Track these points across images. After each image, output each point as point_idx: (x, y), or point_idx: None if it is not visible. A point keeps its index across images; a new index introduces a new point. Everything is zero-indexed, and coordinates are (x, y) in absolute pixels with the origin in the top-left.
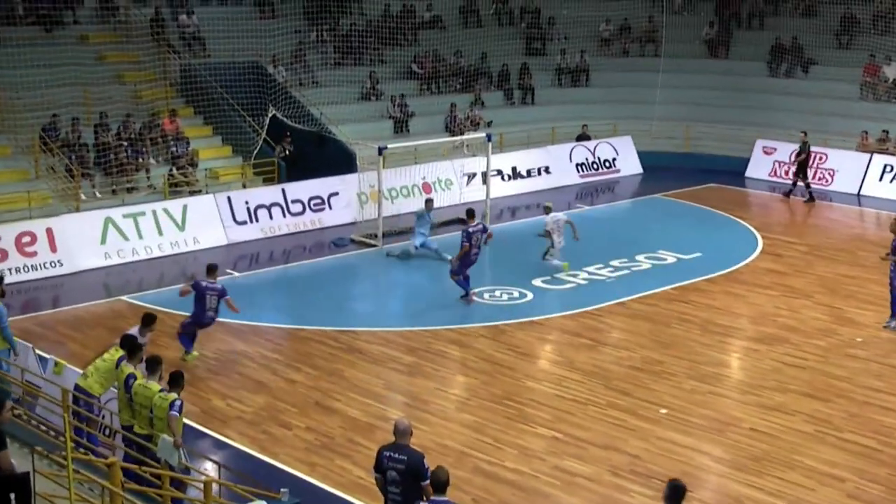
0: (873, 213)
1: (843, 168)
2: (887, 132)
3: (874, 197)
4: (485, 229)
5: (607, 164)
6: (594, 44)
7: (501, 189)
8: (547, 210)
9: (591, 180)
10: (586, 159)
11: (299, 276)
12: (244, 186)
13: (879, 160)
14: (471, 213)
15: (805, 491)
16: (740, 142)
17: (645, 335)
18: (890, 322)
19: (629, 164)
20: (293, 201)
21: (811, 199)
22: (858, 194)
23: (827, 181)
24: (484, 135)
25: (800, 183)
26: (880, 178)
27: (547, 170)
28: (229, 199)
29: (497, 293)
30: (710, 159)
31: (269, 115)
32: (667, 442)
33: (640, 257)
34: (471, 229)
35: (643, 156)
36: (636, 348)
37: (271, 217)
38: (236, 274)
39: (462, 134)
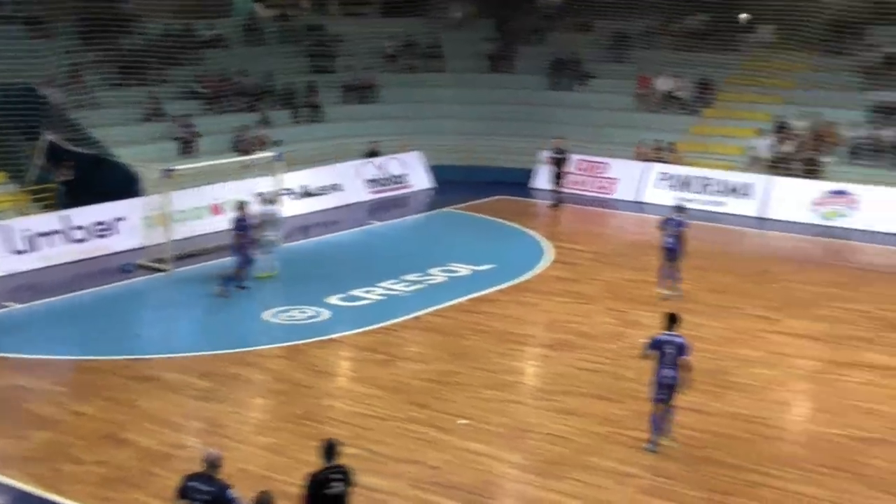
0: (652, 218)
1: (624, 176)
2: (663, 141)
3: (652, 203)
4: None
5: (397, 179)
6: (380, 60)
7: (292, 208)
8: (265, 202)
9: (382, 196)
10: (376, 175)
11: (85, 304)
12: (22, 214)
13: (655, 168)
14: (242, 205)
15: (602, 490)
16: (526, 154)
17: (441, 348)
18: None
19: (419, 179)
20: (75, 228)
21: (557, 203)
22: (638, 201)
23: (609, 190)
24: (273, 154)
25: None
26: (657, 185)
27: (337, 187)
28: (5, 227)
29: (292, 312)
30: (498, 172)
31: (44, 139)
32: (466, 452)
33: (433, 271)
34: (246, 221)
35: (434, 170)
36: (433, 361)
37: (52, 245)
38: (16, 305)
39: (250, 153)
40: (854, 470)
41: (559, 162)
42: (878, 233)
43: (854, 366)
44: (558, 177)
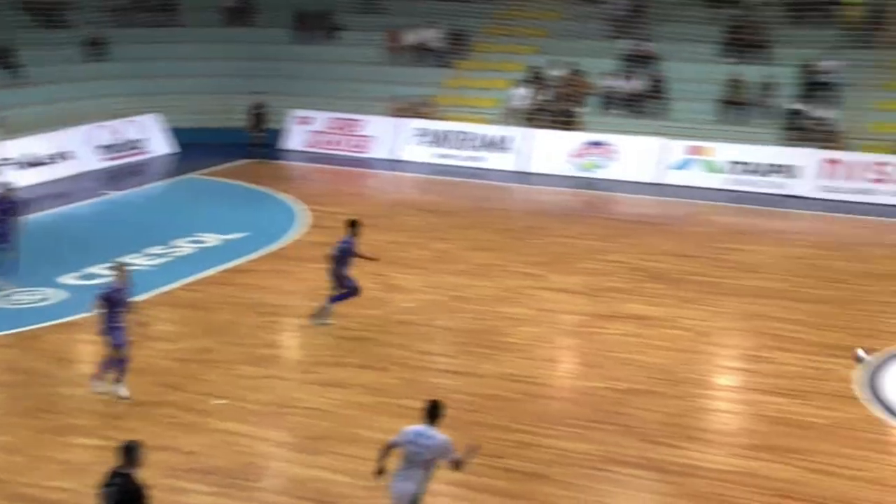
0: (409, 176)
1: (379, 134)
2: (418, 96)
3: (409, 161)
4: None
5: (134, 144)
6: (111, 14)
7: (14, 179)
8: None
9: (118, 163)
10: (110, 141)
11: None
12: None
13: (411, 124)
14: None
15: (369, 463)
16: (273, 113)
17: (192, 324)
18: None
19: (158, 144)
20: None
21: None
22: (395, 159)
23: (364, 148)
24: None
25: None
26: (413, 142)
27: (66, 155)
28: None
29: (22, 295)
30: (244, 134)
31: None
32: (224, 433)
33: (179, 242)
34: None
35: (174, 134)
36: (184, 339)
37: None
38: None
39: None
40: (621, 422)
41: (258, 118)
42: (635, 182)
43: (615, 318)
44: (256, 131)
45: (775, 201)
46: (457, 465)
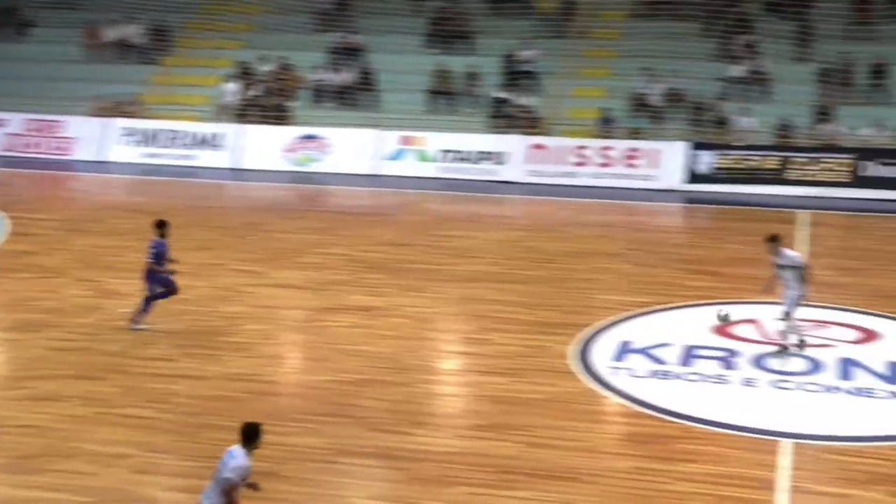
0: (118, 178)
1: (82, 135)
2: (124, 94)
3: (118, 162)
4: None
5: None
6: None
7: None
8: None
9: None
10: None
11: None
12: None
13: (118, 123)
14: None
15: (89, 477)
16: None
17: None
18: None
19: None
20: None
21: None
22: (101, 160)
23: (67, 150)
24: None
25: None
26: (121, 142)
27: None
28: None
29: None
30: None
31: None
32: None
33: None
34: None
35: None
36: None
37: None
38: None
39: None
40: (349, 413)
41: None
42: (350, 175)
43: (339, 310)
44: None
45: (487, 187)
46: (226, 490)
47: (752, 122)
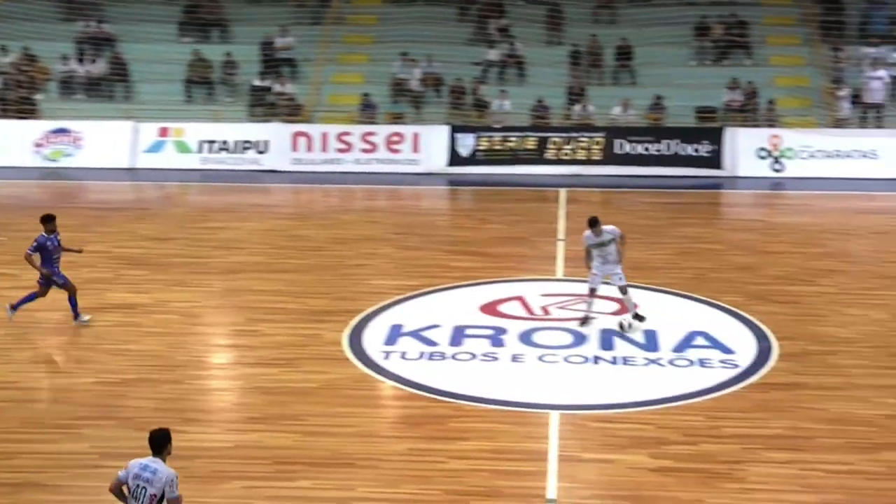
0: None
1: None
2: None
3: None
4: None
5: None
6: None
7: None
8: None
9: None
10: None
11: None
12: None
13: None
14: None
15: None
16: None
17: None
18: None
19: None
20: None
21: None
22: None
23: None
24: None
25: None
26: None
27: None
28: None
29: None
30: None
31: None
32: None
33: None
34: None
35: None
36: None
37: None
38: None
39: None
40: (115, 415)
41: None
42: (107, 169)
43: (102, 309)
44: None
45: (250, 177)
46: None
47: (509, 104)
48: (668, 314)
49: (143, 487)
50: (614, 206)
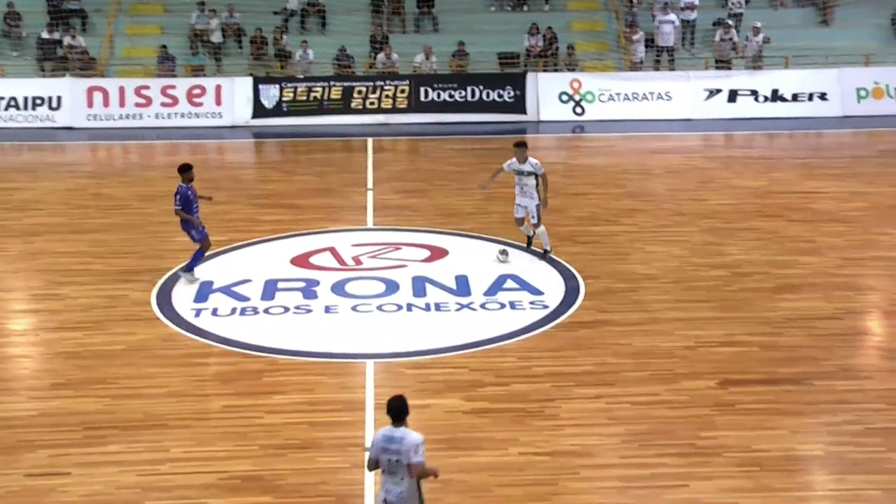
0: None
1: None
2: None
3: None
4: None
5: None
6: None
7: None
8: None
9: None
10: None
11: None
12: None
13: None
14: None
15: None
16: None
17: None
18: None
19: None
20: None
21: None
22: None
23: None
24: None
25: None
26: None
27: None
28: None
29: None
30: None
31: None
32: None
33: None
34: None
35: None
36: None
37: None
38: None
39: None
40: None
41: None
42: None
43: None
44: None
45: (43, 135)
46: (420, 473)
47: (312, 54)
48: (479, 259)
49: (397, 460)
50: (422, 154)
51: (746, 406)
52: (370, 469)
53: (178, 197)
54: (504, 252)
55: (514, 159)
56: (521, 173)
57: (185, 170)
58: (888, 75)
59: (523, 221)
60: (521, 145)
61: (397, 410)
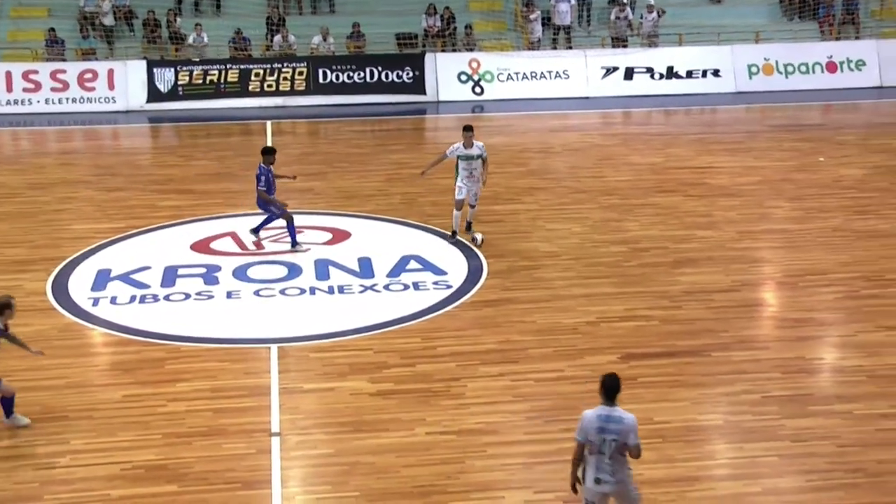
0: None
1: None
2: None
3: None
4: None
5: None
6: None
7: None
8: None
9: None
10: None
11: None
12: None
13: None
14: None
15: None
16: None
17: None
18: None
19: None
20: None
21: None
22: None
23: None
24: None
25: None
26: None
27: None
28: None
29: None
30: None
31: None
32: None
33: None
34: None
35: None
36: None
37: None
38: None
39: None
40: None
41: None
42: None
43: None
44: None
45: None
46: (639, 455)
47: (206, 37)
48: (381, 241)
49: (613, 440)
50: (322, 136)
51: (648, 379)
52: (578, 454)
53: (261, 179)
54: (474, 239)
55: (460, 144)
56: (470, 158)
57: (268, 152)
58: (777, 52)
59: (463, 204)
60: (470, 129)
61: (614, 389)
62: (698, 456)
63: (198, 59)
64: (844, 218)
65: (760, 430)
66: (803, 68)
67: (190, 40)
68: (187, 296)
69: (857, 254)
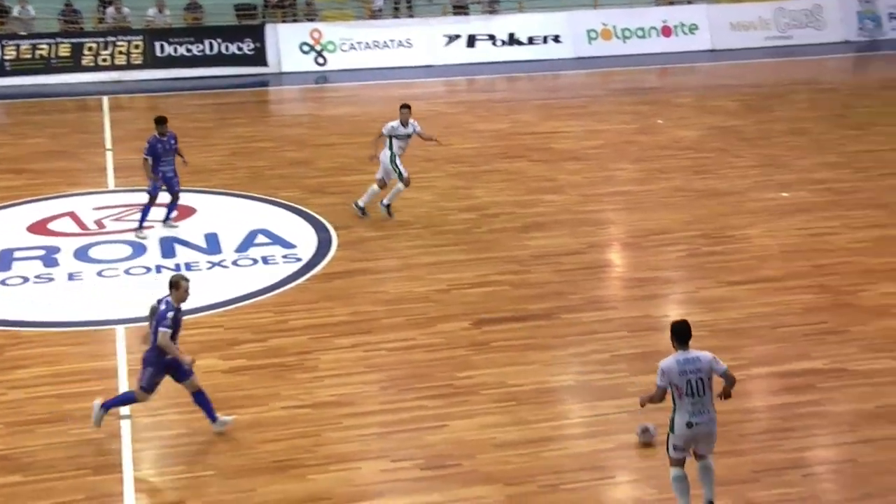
0: None
1: None
2: None
3: None
4: None
5: None
6: None
7: None
8: None
9: None
10: None
11: None
12: None
13: None
14: None
15: None
16: None
17: None
18: None
19: None
20: None
21: None
22: None
23: None
24: None
25: None
26: None
27: None
28: None
29: None
30: None
31: None
32: None
33: None
34: None
35: None
36: None
37: None
38: None
39: None
40: None
41: None
42: None
43: None
44: None
45: None
46: (730, 381)
47: (32, 9)
48: (228, 215)
49: (698, 379)
50: (162, 111)
51: (500, 343)
52: (658, 400)
53: (147, 149)
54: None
55: (397, 122)
56: (407, 136)
57: (159, 122)
58: (615, 17)
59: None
60: (407, 107)
61: (685, 333)
62: (552, 416)
63: (24, 33)
64: (684, 178)
65: (611, 389)
66: (640, 33)
67: (15, 12)
68: (25, 279)
69: (697, 212)
